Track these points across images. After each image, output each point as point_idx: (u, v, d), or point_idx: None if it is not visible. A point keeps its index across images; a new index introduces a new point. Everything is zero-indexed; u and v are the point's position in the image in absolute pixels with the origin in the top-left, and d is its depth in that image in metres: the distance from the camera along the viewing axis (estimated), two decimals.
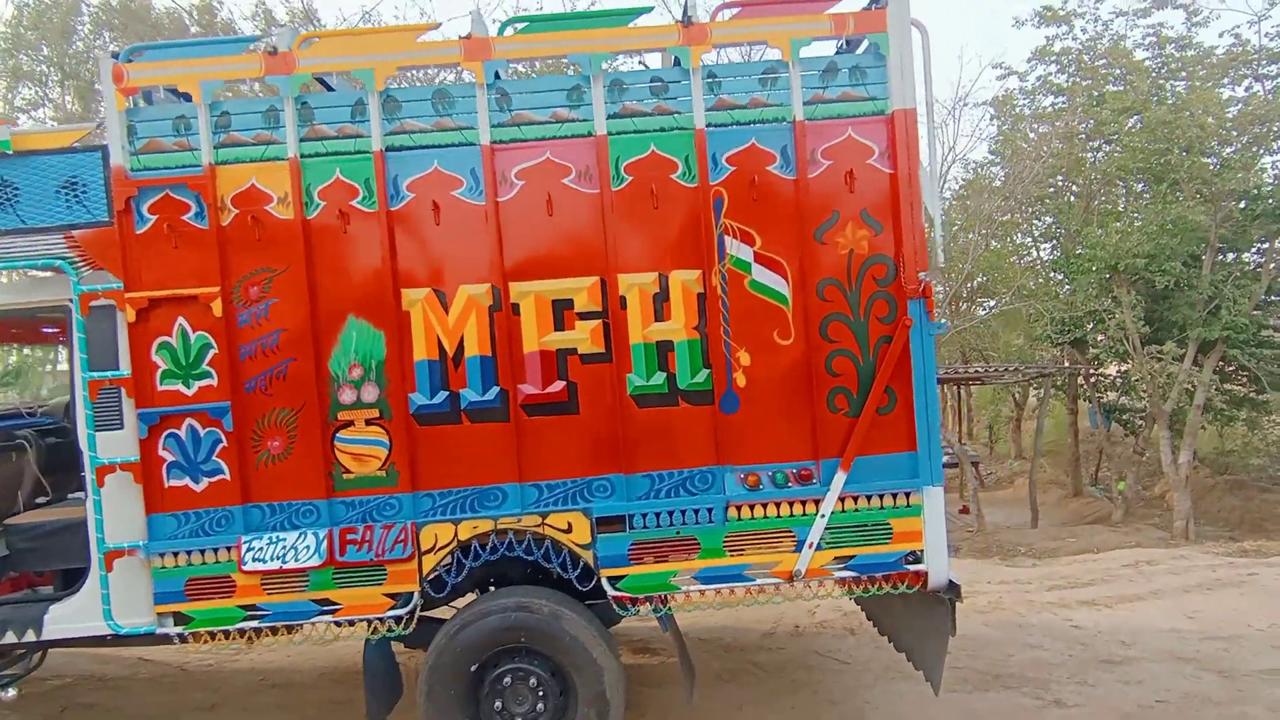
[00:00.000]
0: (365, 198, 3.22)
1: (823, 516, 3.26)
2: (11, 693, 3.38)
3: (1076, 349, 15.11)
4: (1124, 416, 14.97)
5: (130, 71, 3.18)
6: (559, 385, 3.27)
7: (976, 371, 16.87)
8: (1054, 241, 16.47)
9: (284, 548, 3.22)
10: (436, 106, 3.24)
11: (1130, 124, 13.03)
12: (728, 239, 3.27)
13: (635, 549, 3.25)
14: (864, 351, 3.29)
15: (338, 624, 3.27)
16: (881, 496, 3.29)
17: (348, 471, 3.26)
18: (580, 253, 3.25)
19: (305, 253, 3.21)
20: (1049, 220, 16.31)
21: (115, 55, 3.20)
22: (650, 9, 3.33)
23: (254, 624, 3.24)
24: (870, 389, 3.26)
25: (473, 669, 3.31)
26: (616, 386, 3.26)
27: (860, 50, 3.36)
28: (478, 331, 3.25)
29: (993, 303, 19.10)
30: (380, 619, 3.25)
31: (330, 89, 3.50)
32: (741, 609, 4.80)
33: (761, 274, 3.28)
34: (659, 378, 3.27)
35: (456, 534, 3.24)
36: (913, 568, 3.29)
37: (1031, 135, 15.97)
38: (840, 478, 3.25)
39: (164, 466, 3.24)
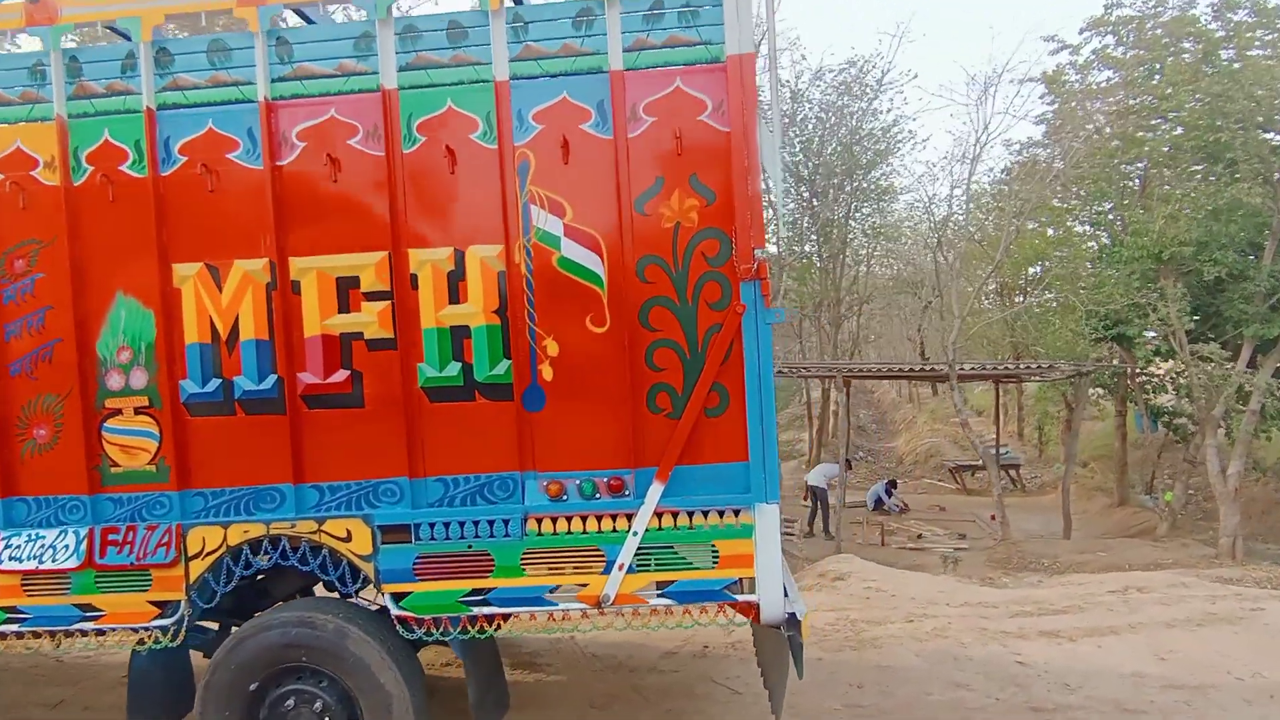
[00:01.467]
0: (135, 161, 2.90)
1: (635, 534, 2.79)
2: None
3: (1123, 346, 13.90)
4: (1173, 421, 13.70)
5: None
6: (342, 375, 2.89)
7: (1013, 368, 15.78)
8: (1104, 229, 15.22)
9: (42, 546, 2.94)
10: (212, 59, 2.89)
11: (1189, 99, 11.81)
12: (534, 209, 2.82)
13: (421, 563, 2.85)
14: (691, 342, 2.80)
15: (100, 633, 2.98)
16: (706, 513, 2.80)
17: (115, 465, 2.96)
18: (367, 224, 2.86)
19: (70, 223, 2.91)
20: (1107, 206, 15.08)
21: None
22: None
23: (14, 628, 2.99)
24: (694, 387, 2.77)
25: (251, 688, 2.97)
26: (406, 377, 2.86)
27: None
28: (254, 312, 2.89)
29: (1047, 295, 18.02)
30: (145, 628, 2.95)
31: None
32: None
33: (572, 250, 2.82)
34: (453, 368, 2.86)
35: (225, 538, 2.90)
36: (741, 598, 2.79)
37: (1080, 113, 14.79)
38: (656, 489, 2.78)
39: None
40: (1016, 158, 18.26)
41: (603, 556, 2.81)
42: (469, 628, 2.86)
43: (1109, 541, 12.68)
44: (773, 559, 2.77)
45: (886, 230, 22.21)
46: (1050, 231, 17.57)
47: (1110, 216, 14.69)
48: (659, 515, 2.79)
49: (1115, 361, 15.07)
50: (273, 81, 2.85)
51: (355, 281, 2.88)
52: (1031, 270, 19.22)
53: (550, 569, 2.83)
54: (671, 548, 2.80)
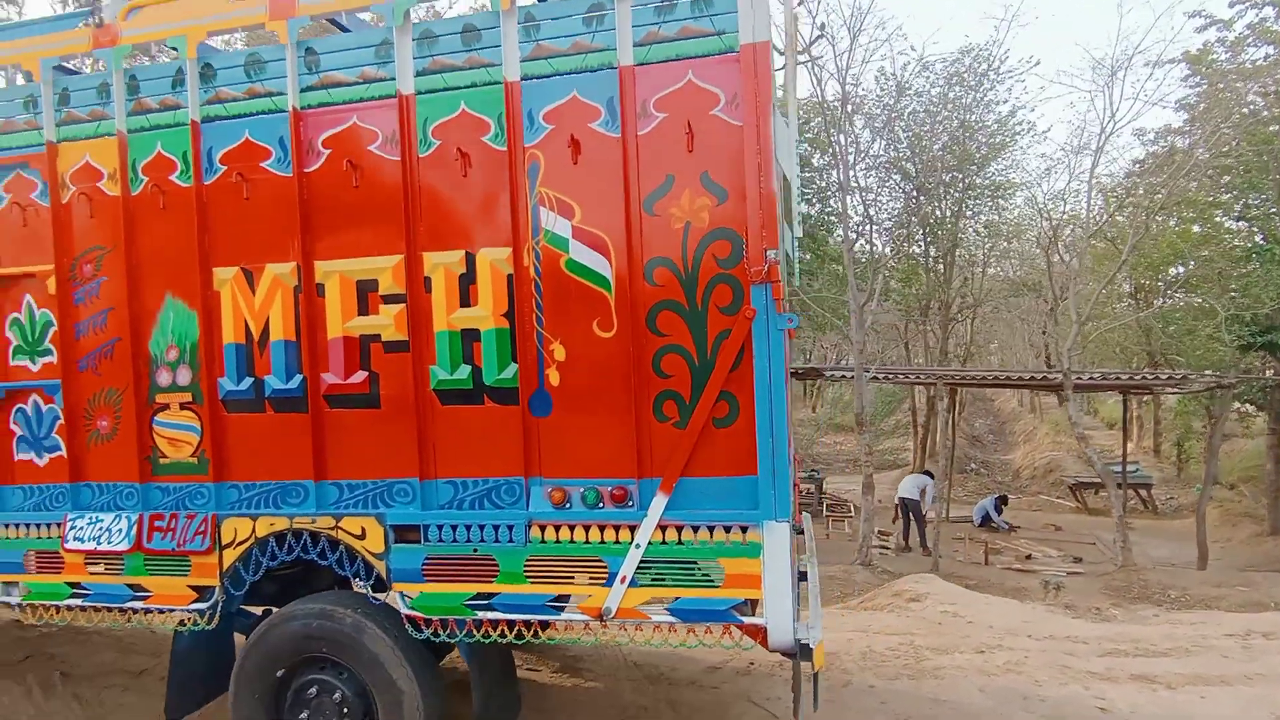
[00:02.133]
0: (182, 172, 3.08)
1: (638, 547, 2.69)
2: None
3: (1275, 356, 12.35)
4: None
5: None
6: (361, 376, 2.96)
7: (1144, 377, 14.36)
8: (1258, 225, 13.58)
9: (100, 529, 3.19)
10: (249, 72, 3.03)
11: None
12: (543, 210, 2.78)
13: (429, 564, 2.87)
14: (700, 349, 2.67)
15: (148, 612, 3.19)
16: (712, 529, 2.66)
17: (164, 456, 3.16)
18: (385, 228, 2.91)
19: (127, 230, 3.13)
20: (1261, 198, 13.47)
21: None
22: None
23: (79, 602, 3.25)
24: (702, 395, 2.64)
25: (278, 675, 3.10)
26: (419, 380, 2.89)
27: None
28: (282, 314, 3.01)
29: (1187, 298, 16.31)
30: (186, 610, 3.13)
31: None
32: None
33: (580, 252, 2.75)
34: (463, 371, 2.86)
35: (254, 530, 3.03)
36: (748, 620, 2.63)
37: (1231, 95, 13.28)
38: (660, 502, 2.66)
39: (14, 440, 3.33)
40: (1151, 147, 16.67)
41: (605, 568, 2.73)
42: (474, 631, 2.85)
43: (1253, 575, 11.26)
44: (782, 580, 2.59)
45: (1002, 228, 20.84)
46: (1196, 228, 15.89)
47: (1270, 210, 13.09)
48: (663, 528, 2.68)
49: (1269, 373, 13.42)
50: (301, 91, 2.95)
51: (374, 285, 2.93)
52: (1172, 271, 17.50)
53: (552, 577, 2.77)
54: (675, 563, 2.68)
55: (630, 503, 2.71)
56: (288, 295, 3.00)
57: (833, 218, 15.69)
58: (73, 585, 3.25)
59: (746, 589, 2.62)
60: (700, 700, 4.07)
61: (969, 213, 19.09)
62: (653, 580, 2.69)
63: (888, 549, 14.02)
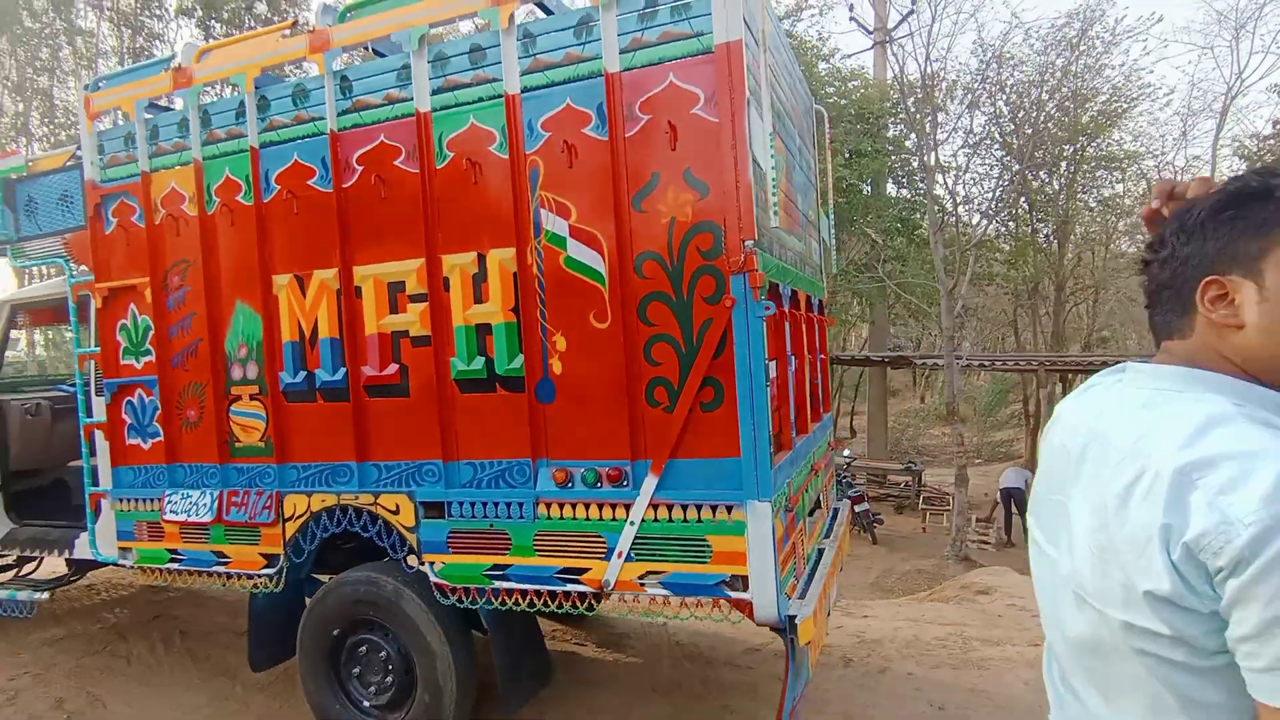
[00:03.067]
0: (245, 192, 3.52)
1: (632, 524, 2.87)
2: (44, 595, 4.37)
3: None
4: None
5: (93, 99, 3.85)
6: (393, 368, 3.29)
7: None
8: None
9: (191, 503, 3.70)
10: (295, 101, 3.42)
11: None
12: (543, 212, 3.00)
13: (453, 537, 3.17)
14: (687, 337, 2.81)
15: (228, 576, 3.67)
16: (699, 508, 2.80)
17: (238, 441, 3.63)
18: (410, 235, 3.22)
19: (204, 245, 3.61)
20: None
21: (86, 87, 3.89)
22: None
23: (175, 566, 3.78)
24: (687, 380, 2.78)
25: (334, 634, 3.51)
26: (440, 370, 3.18)
27: None
28: (328, 314, 3.39)
29: None
30: (256, 575, 3.59)
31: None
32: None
33: (577, 249, 2.95)
34: (478, 362, 3.13)
35: (309, 505, 3.44)
36: (734, 595, 2.75)
37: None
38: (651, 482, 2.83)
39: (125, 428, 3.91)
40: None
41: (604, 543, 2.92)
42: (492, 599, 3.12)
43: None
44: (765, 557, 2.70)
45: (1125, 202, 19.33)
46: None
47: None
48: (655, 507, 2.84)
49: None
50: (338, 115, 3.31)
51: (402, 286, 3.25)
52: None
53: (559, 551, 3.00)
54: (668, 539, 2.84)
55: (625, 482, 2.89)
56: (331, 298, 3.37)
57: (925, 199, 15.11)
58: (171, 551, 3.79)
59: (733, 565, 2.75)
60: (733, 679, 4.20)
61: (1081, 187, 17.84)
62: (648, 555, 2.86)
63: (988, 543, 13.44)
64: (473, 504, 3.13)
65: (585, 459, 2.98)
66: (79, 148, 3.92)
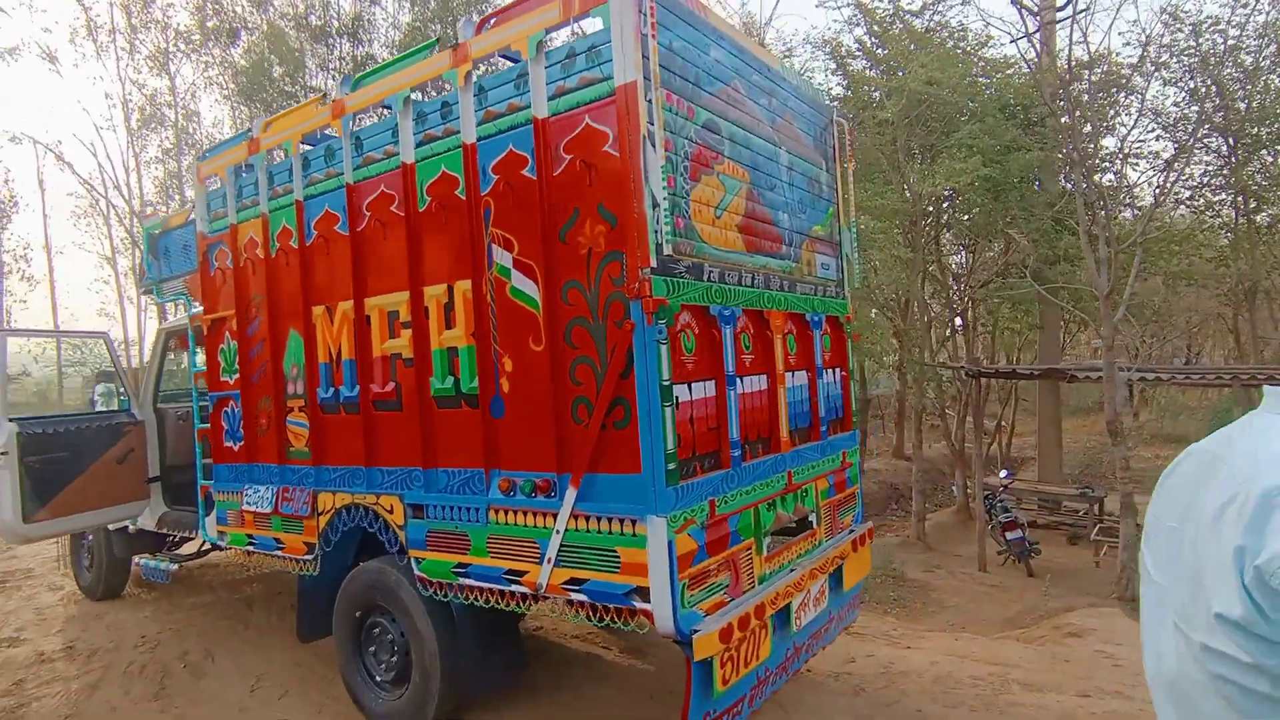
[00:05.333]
0: (295, 238, 4.22)
1: (558, 533, 3.10)
2: (174, 567, 5.38)
3: None
4: None
5: (202, 167, 4.78)
6: (391, 386, 3.78)
7: None
8: None
9: (260, 496, 4.46)
10: (327, 160, 4.05)
11: None
12: (495, 248, 3.34)
13: (431, 536, 3.58)
14: (602, 358, 3.00)
15: (284, 558, 4.36)
16: (610, 520, 2.96)
17: (291, 446, 4.32)
18: (401, 270, 3.69)
19: (269, 283, 4.36)
20: None
21: (198, 157, 4.83)
22: (434, 43, 3.55)
23: (252, 548, 4.56)
24: (598, 400, 2.97)
25: (356, 615, 4.07)
26: (423, 389, 3.62)
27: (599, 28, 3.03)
28: (348, 339, 3.96)
29: None
30: (301, 560, 4.24)
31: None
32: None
33: (519, 280, 3.25)
34: (449, 381, 3.52)
35: (335, 502, 4.03)
36: (639, 605, 2.88)
37: None
38: (571, 494, 3.05)
39: (223, 433, 4.79)
40: None
41: (538, 549, 3.18)
42: (458, 594, 3.48)
43: None
44: (663, 571, 2.81)
45: None
46: None
47: None
48: (576, 517, 3.05)
49: None
50: (354, 169, 3.88)
51: (397, 315, 3.74)
52: None
53: (505, 554, 3.30)
54: (587, 548, 3.03)
55: (553, 493, 3.13)
56: (349, 325, 3.94)
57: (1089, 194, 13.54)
58: (249, 536, 4.58)
59: (637, 577, 2.88)
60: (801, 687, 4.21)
61: None
62: (571, 563, 3.08)
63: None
64: (444, 507, 3.52)
65: (525, 470, 3.26)
66: (193, 204, 4.88)
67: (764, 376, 3.65)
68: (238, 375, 4.64)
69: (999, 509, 13.06)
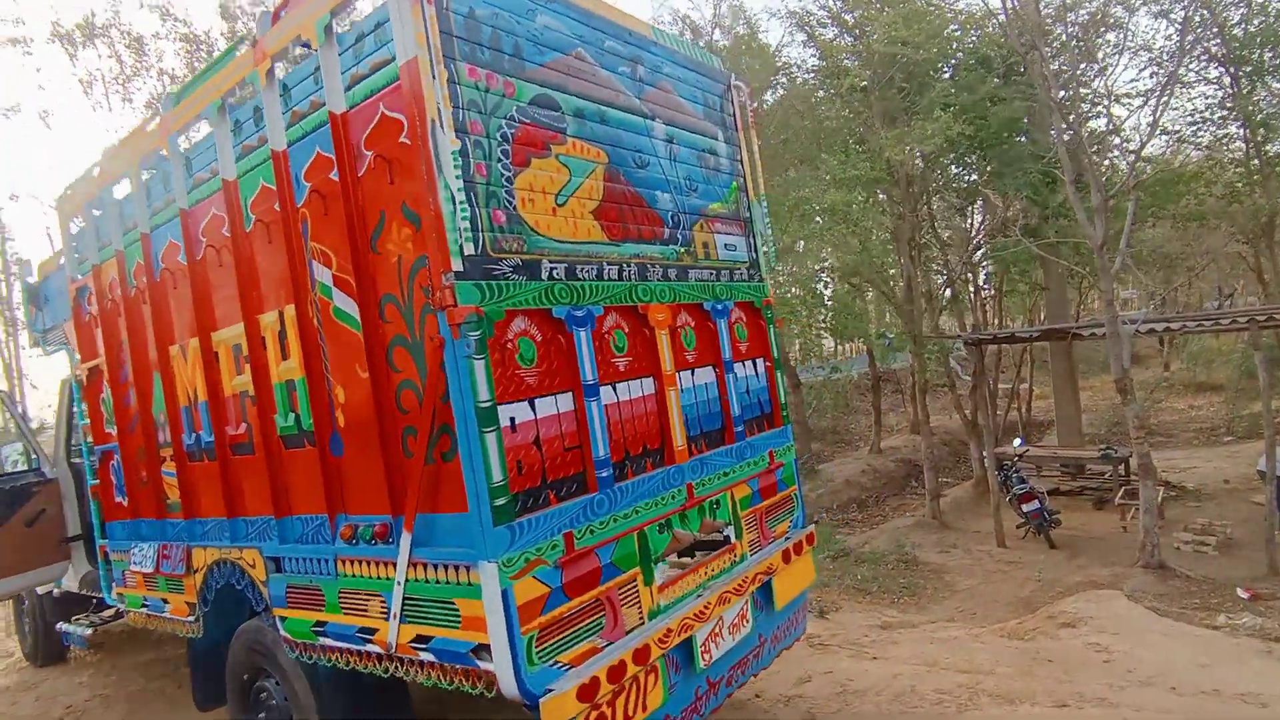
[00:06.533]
0: (146, 274, 3.86)
1: (399, 584, 2.70)
2: (88, 631, 5.08)
3: None
4: None
5: (62, 207, 4.45)
6: (243, 427, 3.42)
7: None
8: None
9: (144, 555, 4.12)
10: (166, 185, 3.70)
11: None
12: (315, 265, 2.95)
13: (290, 592, 3.20)
14: (424, 381, 2.60)
15: (172, 621, 4.02)
16: (447, 568, 2.56)
17: (168, 498, 3.98)
18: (239, 299, 3.32)
19: (129, 325, 4.02)
20: None
21: (58, 198, 4.51)
22: (240, 42, 3.15)
23: (145, 610, 4.23)
24: (425, 429, 2.57)
25: (244, 678, 3.71)
26: (268, 428, 3.25)
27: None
28: (202, 379, 3.60)
29: None
30: (185, 621, 3.90)
31: None
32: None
33: (340, 299, 2.87)
34: (291, 418, 3.15)
35: (206, 559, 3.68)
36: (483, 665, 2.48)
37: None
38: (406, 539, 2.64)
39: (112, 487, 4.47)
40: None
41: (384, 603, 2.79)
42: (321, 656, 3.10)
43: None
44: (500, 625, 2.40)
45: None
46: None
47: None
48: (414, 566, 2.65)
49: None
50: (187, 193, 3.52)
51: (240, 348, 3.37)
52: None
53: (356, 610, 2.91)
54: (429, 601, 2.63)
55: (391, 539, 2.73)
56: (200, 364, 3.58)
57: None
58: (142, 598, 4.26)
59: (478, 632, 2.48)
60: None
61: None
62: (415, 618, 2.68)
63: (1205, 546, 11.09)
64: (299, 559, 3.15)
65: (365, 513, 2.87)
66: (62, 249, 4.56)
67: (648, 380, 3.22)
68: (116, 426, 4.32)
69: (1014, 480, 12.43)
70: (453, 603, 2.55)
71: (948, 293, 14.28)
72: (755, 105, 4.18)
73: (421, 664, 2.70)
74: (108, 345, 4.23)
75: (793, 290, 13.54)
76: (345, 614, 2.96)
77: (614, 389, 3.04)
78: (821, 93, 14.26)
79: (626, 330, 3.15)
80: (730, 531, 3.52)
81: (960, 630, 6.20)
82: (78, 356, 4.59)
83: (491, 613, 2.42)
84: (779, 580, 3.69)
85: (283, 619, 3.25)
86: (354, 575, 2.90)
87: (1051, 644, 4.59)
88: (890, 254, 13.66)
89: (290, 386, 3.12)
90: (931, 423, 21.74)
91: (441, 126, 2.41)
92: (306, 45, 2.85)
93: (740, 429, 3.70)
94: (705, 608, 3.12)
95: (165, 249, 3.72)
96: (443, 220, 2.41)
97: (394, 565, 2.72)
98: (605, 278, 3.02)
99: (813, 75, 15.05)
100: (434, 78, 2.40)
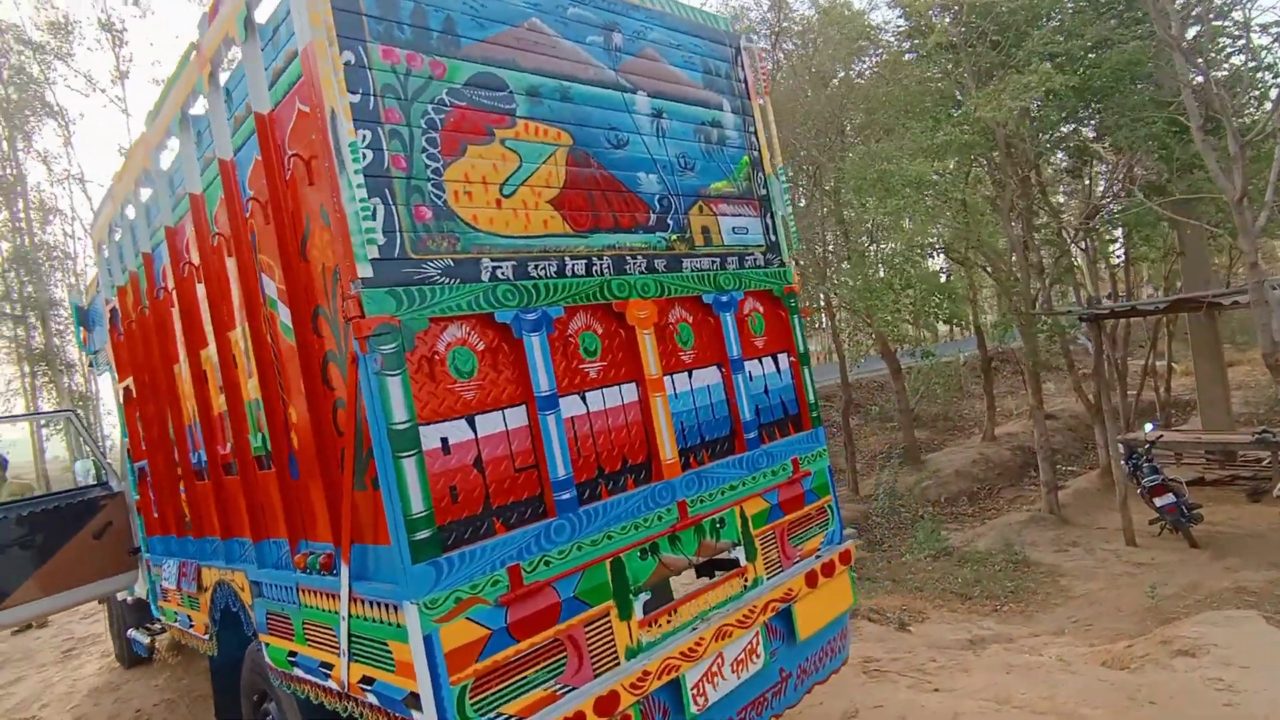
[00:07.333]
0: (151, 294, 3.87)
1: (344, 619, 2.48)
2: (148, 640, 5.25)
3: None
4: None
5: (93, 233, 4.58)
6: (229, 446, 3.33)
7: None
8: None
9: (170, 571, 4.17)
10: (159, 205, 3.67)
11: None
12: (264, 278, 2.79)
13: (269, 618, 3.08)
14: (353, 400, 2.36)
15: (194, 637, 4.04)
16: (379, 605, 2.32)
17: (185, 516, 4.00)
18: (211, 317, 3.24)
19: (144, 344, 4.07)
20: None
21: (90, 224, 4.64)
22: (188, 56, 3.02)
23: (178, 625, 4.29)
24: (348, 452, 2.34)
25: (254, 699, 3.66)
26: (242, 447, 3.14)
27: None
28: (196, 398, 3.56)
29: None
30: (204, 638, 3.90)
31: None
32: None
33: (284, 313, 2.69)
34: (259, 438, 3.02)
35: (211, 578, 3.64)
36: (416, 715, 2.21)
37: None
38: (344, 571, 2.43)
39: (151, 504, 4.57)
40: None
41: (335, 638, 2.58)
42: (297, 687, 2.95)
43: None
44: (424, 674, 2.13)
45: None
46: None
47: None
48: (354, 600, 2.43)
49: None
50: (172, 210, 3.47)
51: (220, 367, 3.28)
52: None
53: (315, 642, 2.73)
54: (369, 640, 2.40)
55: (335, 570, 2.52)
56: (194, 382, 3.54)
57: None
58: (174, 612, 4.32)
59: (408, 679, 2.22)
60: None
61: None
62: (361, 657, 2.46)
63: None
64: (273, 585, 3.02)
65: (315, 540, 2.68)
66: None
67: (628, 386, 2.86)
68: (145, 444, 4.40)
69: (1145, 470, 11.06)
70: (387, 645, 2.31)
71: (1061, 263, 12.90)
72: (765, 66, 3.69)
73: (370, 706, 2.48)
74: (133, 365, 4.32)
75: (882, 271, 12.63)
76: (309, 646, 2.79)
77: (582, 399, 2.70)
78: (909, 55, 13.22)
79: (599, 332, 2.80)
80: (740, 553, 3.11)
81: (1062, 647, 5.44)
82: (116, 376, 4.73)
83: (416, 660, 2.15)
84: (803, 606, 3.24)
85: (266, 645, 3.14)
86: (311, 606, 2.73)
87: (1161, 677, 3.86)
88: (992, 225, 12.49)
89: (257, 405, 2.98)
90: (1057, 405, 19.99)
91: (340, 118, 2.15)
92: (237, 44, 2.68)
93: (753, 435, 3.27)
94: (696, 644, 2.74)
95: (163, 268, 3.70)
96: (346, 222, 2.15)
97: (336, 598, 2.51)
98: (569, 274, 2.69)
99: (899, 39, 14.02)
100: (329, 63, 2.14)
